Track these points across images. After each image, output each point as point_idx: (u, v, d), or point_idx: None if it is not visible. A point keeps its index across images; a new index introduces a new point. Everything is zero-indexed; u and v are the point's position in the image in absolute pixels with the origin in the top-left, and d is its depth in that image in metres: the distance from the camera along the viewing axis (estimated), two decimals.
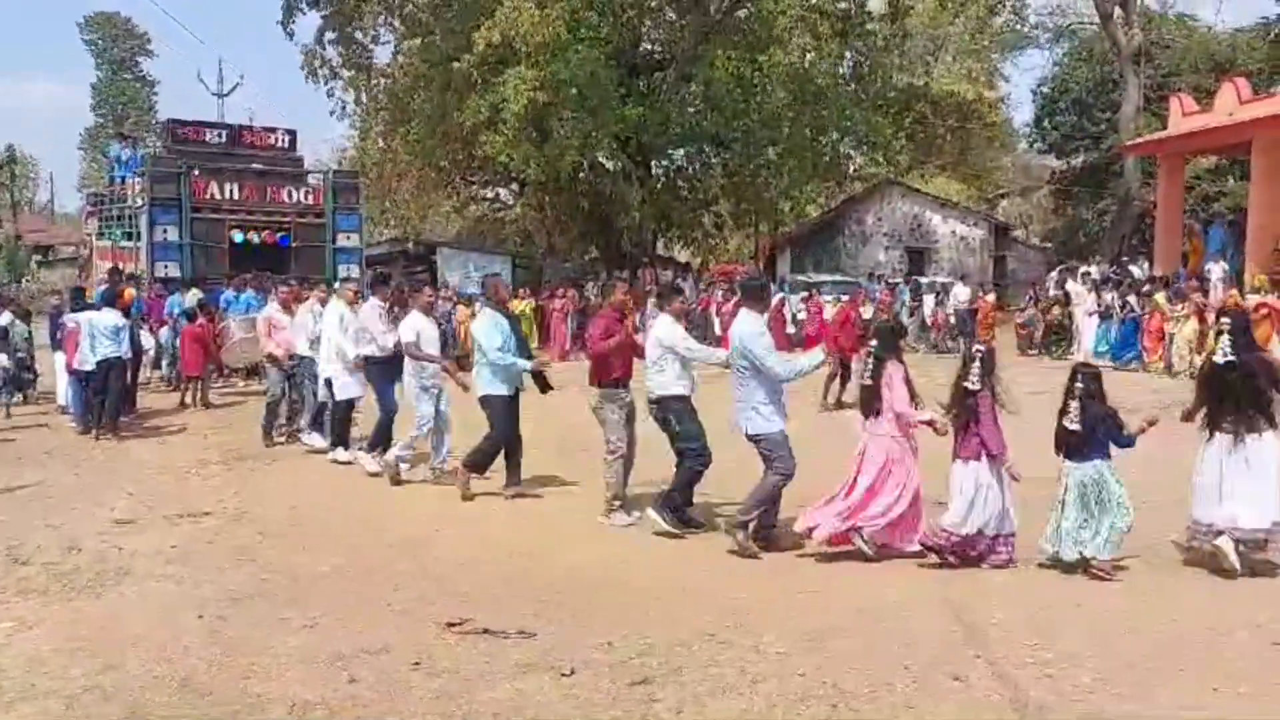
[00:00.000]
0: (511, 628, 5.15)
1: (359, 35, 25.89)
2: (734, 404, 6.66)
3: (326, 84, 26.51)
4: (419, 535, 7.09)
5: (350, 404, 9.66)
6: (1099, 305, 17.50)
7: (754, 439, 6.61)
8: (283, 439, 10.61)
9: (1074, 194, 34.10)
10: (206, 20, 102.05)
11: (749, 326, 6.71)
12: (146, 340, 14.42)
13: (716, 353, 7.39)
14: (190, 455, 10.20)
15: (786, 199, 27.62)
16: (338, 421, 9.69)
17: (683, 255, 35.37)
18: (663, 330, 7.13)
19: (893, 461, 6.32)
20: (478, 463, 8.06)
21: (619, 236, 26.02)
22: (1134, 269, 20.26)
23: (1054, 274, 22.72)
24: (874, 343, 6.64)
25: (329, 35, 25.65)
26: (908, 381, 6.45)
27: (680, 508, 7.03)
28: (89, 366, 11.41)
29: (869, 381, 6.51)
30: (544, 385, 8.25)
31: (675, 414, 6.96)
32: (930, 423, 6.36)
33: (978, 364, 6.20)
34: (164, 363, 15.48)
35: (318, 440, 10.10)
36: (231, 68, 44.52)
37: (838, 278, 26.28)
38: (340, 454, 9.55)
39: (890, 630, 5.15)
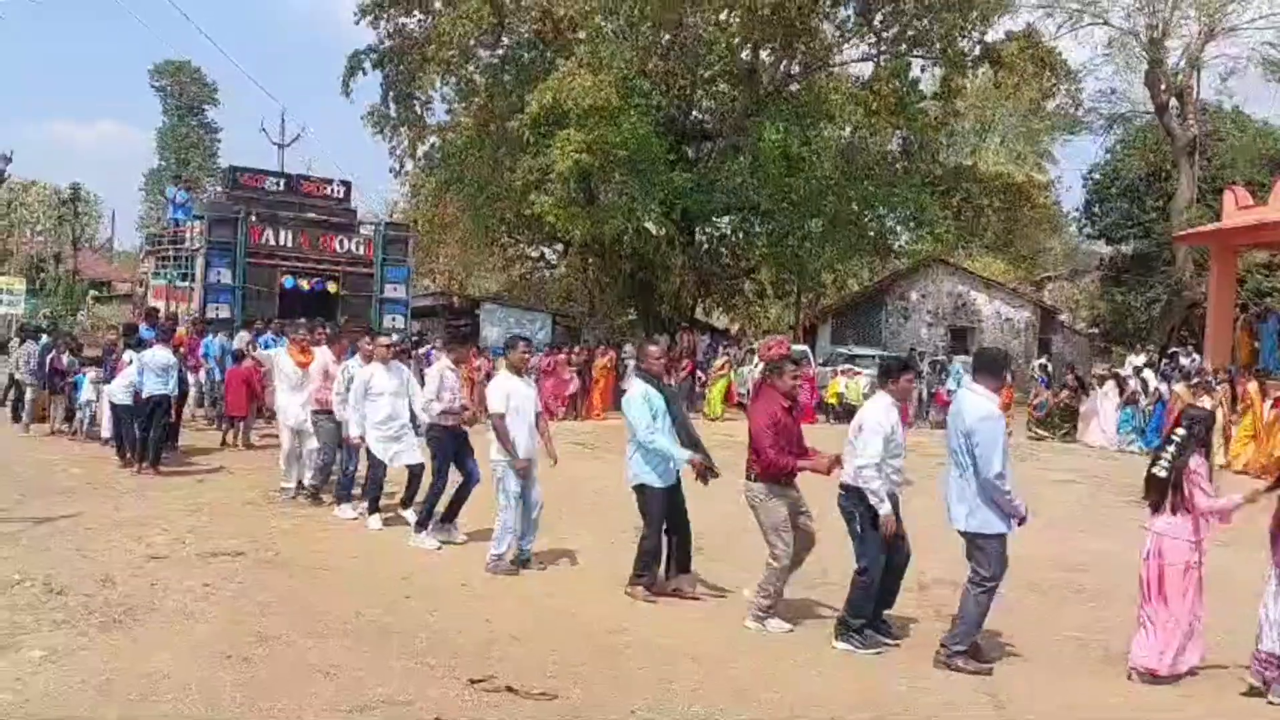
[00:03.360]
0: (535, 687, 5.10)
1: (417, 95, 26.57)
2: (950, 487, 5.78)
3: (389, 141, 27.21)
4: (445, 588, 7.07)
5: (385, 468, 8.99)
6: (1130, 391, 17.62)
7: (969, 537, 5.69)
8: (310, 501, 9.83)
9: (1123, 281, 33.83)
10: (272, 72, 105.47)
11: (985, 407, 5.68)
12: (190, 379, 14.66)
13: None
14: (227, 494, 10.28)
15: (829, 271, 27.70)
16: (376, 486, 8.98)
17: (721, 321, 35.48)
18: (879, 412, 6.06)
19: (1191, 567, 5.70)
20: (641, 570, 6.93)
21: (659, 300, 26.17)
22: (1183, 359, 20.01)
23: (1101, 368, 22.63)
24: (1181, 430, 5.88)
25: (391, 95, 26.36)
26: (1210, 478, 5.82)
27: (870, 621, 6.08)
28: (121, 400, 11.62)
29: (1164, 473, 5.75)
30: (704, 475, 6.79)
31: (863, 514, 5.94)
32: (1235, 508, 5.75)
33: None
34: (204, 401, 15.72)
35: (348, 511, 9.30)
36: (293, 119, 45.85)
37: (879, 352, 26.18)
38: (375, 522, 8.89)
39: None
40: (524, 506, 7.47)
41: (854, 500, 5.92)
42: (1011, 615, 6.47)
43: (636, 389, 6.91)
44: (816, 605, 6.82)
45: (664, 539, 6.94)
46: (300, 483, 10.10)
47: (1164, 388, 17.27)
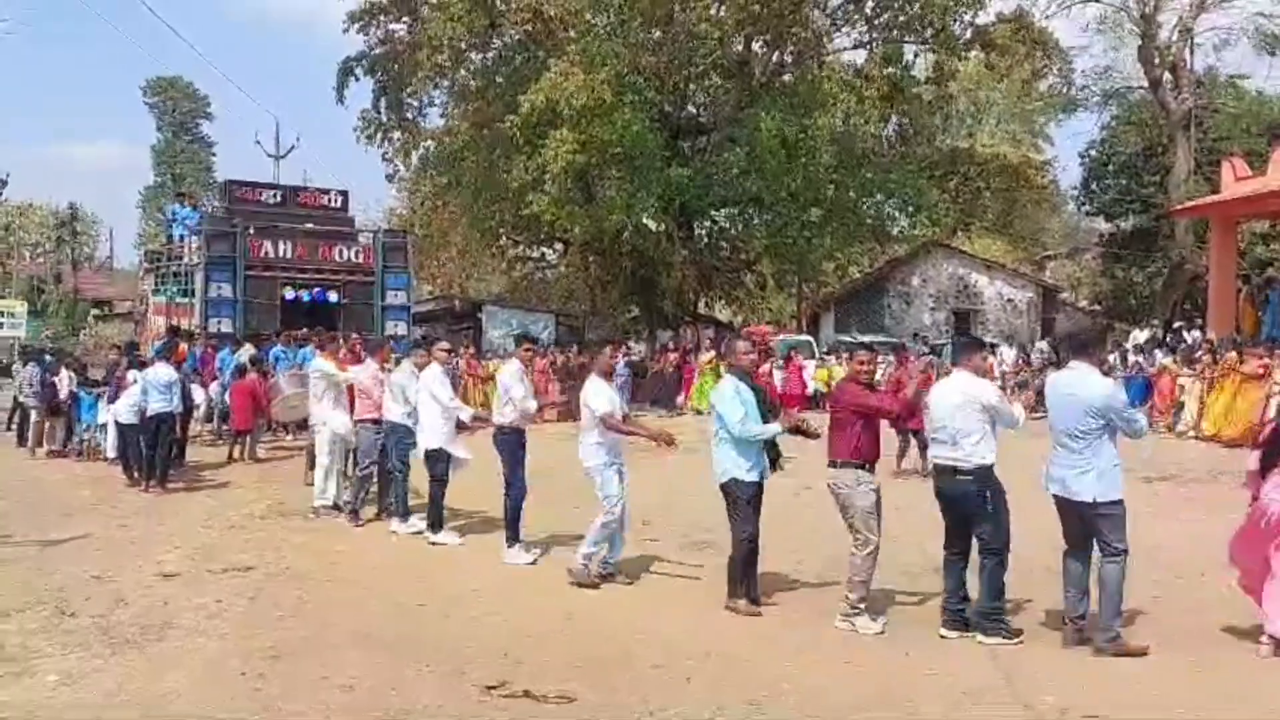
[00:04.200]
0: (552, 691, 5.08)
1: (411, 100, 26.56)
2: (1060, 464, 5.86)
3: (380, 147, 27.21)
4: (458, 596, 7.04)
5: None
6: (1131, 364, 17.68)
7: (1096, 508, 5.74)
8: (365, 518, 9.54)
9: (1123, 257, 33.76)
10: (265, 83, 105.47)
11: (1107, 384, 6.13)
12: (198, 394, 14.67)
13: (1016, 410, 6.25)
14: (235, 509, 10.27)
15: (829, 260, 27.68)
16: (440, 498, 8.73)
17: (724, 314, 35.45)
18: (980, 387, 6.12)
19: None
20: (741, 577, 6.64)
21: (661, 296, 26.15)
22: (1186, 334, 19.96)
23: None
24: None
25: (383, 101, 26.36)
26: None
27: (999, 615, 6.01)
28: (127, 419, 11.62)
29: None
30: (806, 433, 6.94)
31: (994, 491, 5.98)
32: None
33: None
34: (215, 416, 15.72)
35: (403, 526, 9.04)
36: (288, 130, 45.83)
37: (881, 338, 26.15)
38: (444, 537, 8.63)
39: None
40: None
41: (980, 480, 5.93)
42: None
43: (727, 384, 6.82)
44: (819, 598, 6.80)
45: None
46: (336, 503, 9.81)
47: (1142, 360, 17.42)
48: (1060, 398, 5.96)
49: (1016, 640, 5.90)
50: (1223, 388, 14.79)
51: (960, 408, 5.99)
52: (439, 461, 8.65)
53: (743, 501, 6.60)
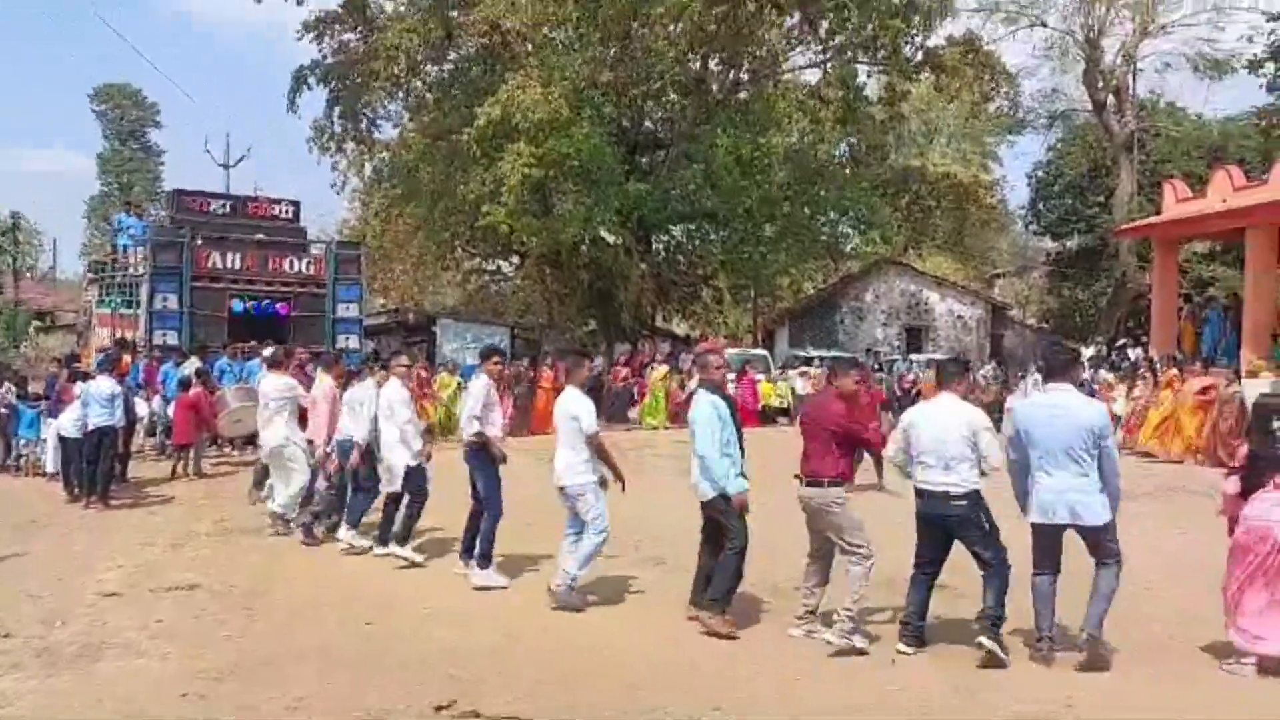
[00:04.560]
0: (502, 711, 5.02)
1: (364, 111, 26.36)
2: (1060, 489, 5.77)
3: (331, 156, 26.94)
4: (408, 614, 6.93)
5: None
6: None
7: (1094, 531, 5.78)
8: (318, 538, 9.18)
9: (1069, 275, 34.48)
10: (215, 92, 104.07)
11: (1103, 406, 6.31)
12: (141, 408, 14.34)
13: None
14: (179, 526, 10.05)
15: (784, 275, 27.91)
16: (403, 514, 8.42)
17: (681, 328, 35.56)
18: (974, 413, 6.12)
19: None
20: (724, 593, 6.48)
21: (619, 309, 26.16)
22: (1129, 351, 20.41)
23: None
24: None
25: (336, 111, 26.12)
26: None
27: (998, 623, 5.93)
28: (72, 434, 11.35)
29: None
30: (743, 512, 6.55)
31: (985, 512, 6.02)
32: None
33: None
34: (158, 431, 15.38)
35: (350, 534, 8.75)
36: (239, 139, 45.13)
37: (835, 353, 26.41)
38: (405, 551, 8.29)
39: None
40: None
41: (973, 503, 5.92)
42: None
43: (705, 402, 6.62)
44: (767, 609, 6.80)
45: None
46: (286, 516, 9.49)
47: (1090, 375, 17.82)
48: (1047, 419, 5.88)
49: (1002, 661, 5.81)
50: (1161, 404, 15.05)
51: (953, 431, 5.94)
52: (420, 477, 8.35)
53: (733, 513, 6.48)
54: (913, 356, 26.48)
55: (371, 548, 8.53)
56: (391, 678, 5.57)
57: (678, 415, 21.02)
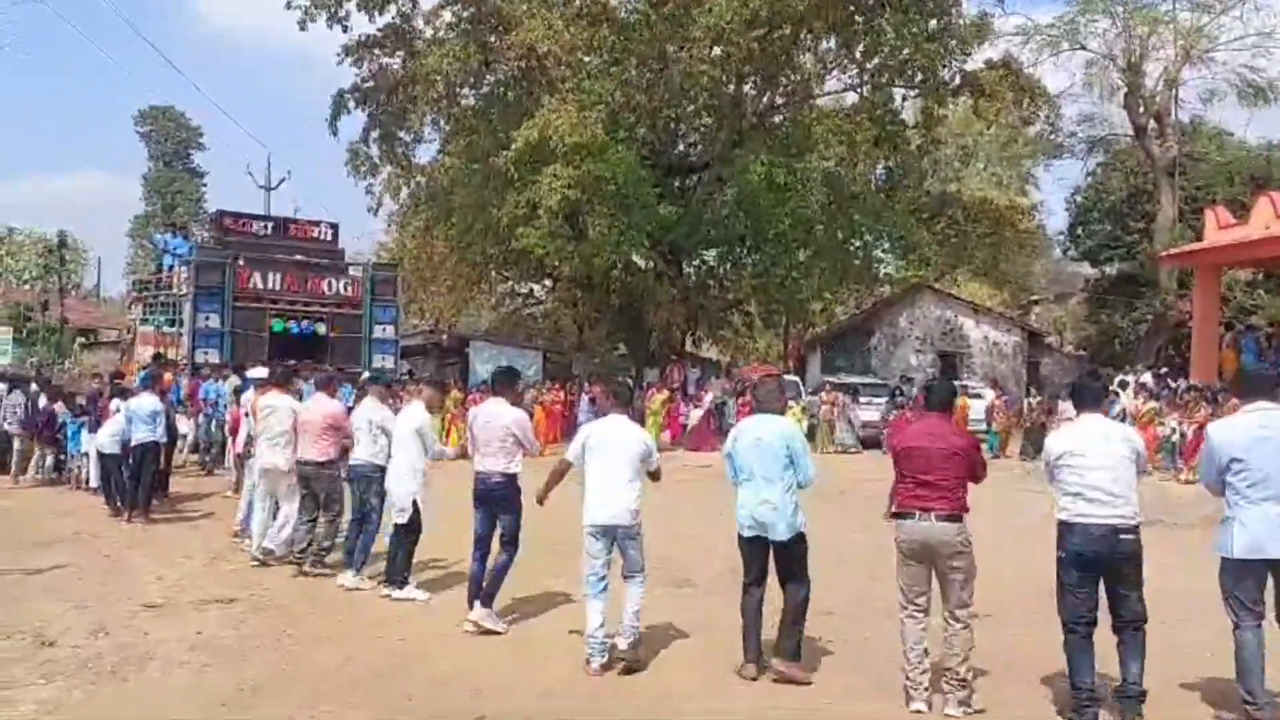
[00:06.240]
0: None
1: (402, 135, 26.70)
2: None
3: (366, 180, 27.28)
4: (434, 633, 6.89)
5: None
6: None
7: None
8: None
9: (1108, 302, 34.09)
10: (257, 115, 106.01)
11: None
12: (183, 425, 14.56)
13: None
14: (218, 541, 10.16)
15: (817, 300, 27.83)
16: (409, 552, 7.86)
17: (711, 352, 35.54)
18: (1134, 434, 5.59)
19: None
20: (799, 642, 5.90)
21: (648, 333, 26.21)
22: (1171, 381, 20.15)
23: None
24: None
25: (374, 134, 26.49)
26: None
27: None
28: (110, 449, 11.52)
29: None
30: None
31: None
32: None
33: None
34: (200, 447, 15.59)
35: (354, 579, 8.11)
36: (279, 161, 46.06)
37: (869, 379, 26.27)
38: (417, 594, 7.78)
39: None
40: None
41: (1139, 539, 5.23)
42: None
43: (794, 427, 6.16)
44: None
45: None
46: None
47: (1128, 402, 17.69)
48: (1103, 442, 5.31)
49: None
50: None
51: (1125, 459, 5.26)
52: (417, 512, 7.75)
53: (806, 552, 5.97)
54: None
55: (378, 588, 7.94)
56: (423, 693, 5.60)
57: (676, 436, 21.50)
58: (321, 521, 8.71)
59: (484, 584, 6.91)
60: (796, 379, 25.62)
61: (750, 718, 5.35)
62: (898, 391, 22.63)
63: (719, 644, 6.35)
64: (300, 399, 9.65)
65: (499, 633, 6.77)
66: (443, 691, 5.67)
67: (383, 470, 8.08)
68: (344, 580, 8.09)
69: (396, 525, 7.77)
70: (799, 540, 5.87)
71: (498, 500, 6.95)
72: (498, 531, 6.99)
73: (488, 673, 6.01)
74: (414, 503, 7.68)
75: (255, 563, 8.85)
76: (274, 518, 9.04)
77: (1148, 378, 19.93)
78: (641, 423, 20.30)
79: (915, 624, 5.42)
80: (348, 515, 8.64)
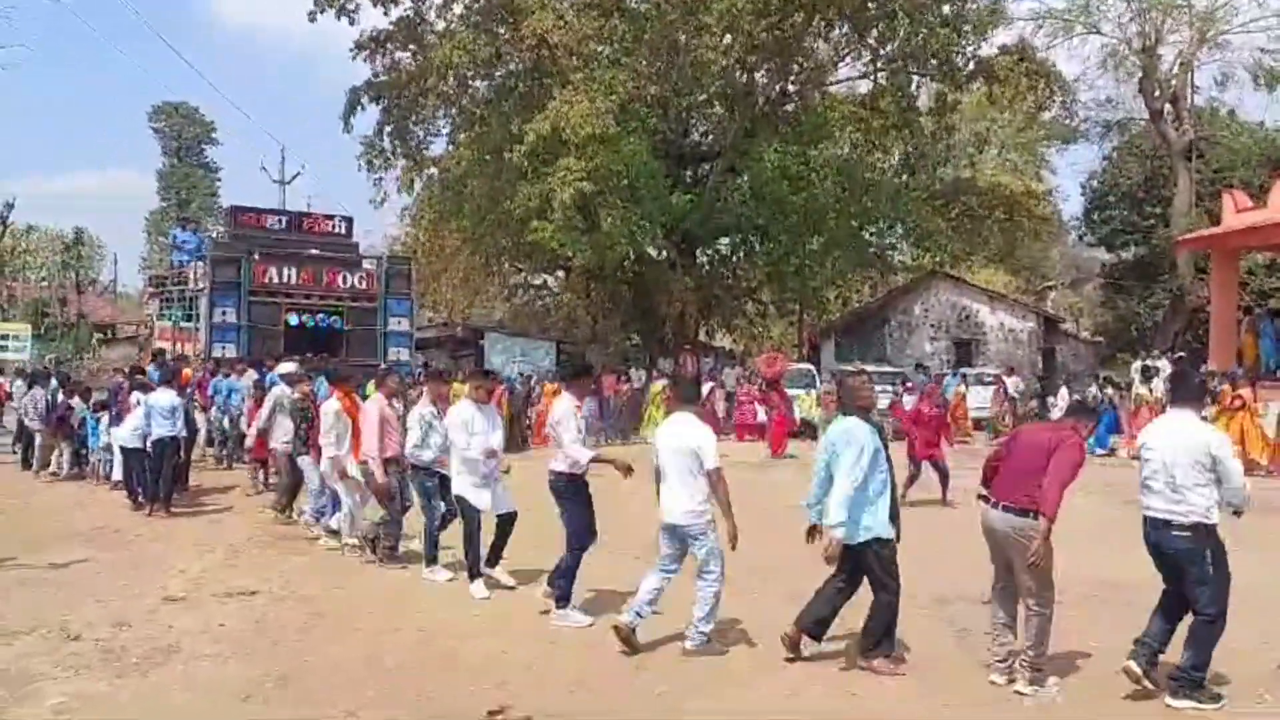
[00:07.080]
0: (553, 715, 5.08)
1: (416, 128, 26.72)
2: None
3: (378, 174, 27.31)
4: (459, 622, 6.99)
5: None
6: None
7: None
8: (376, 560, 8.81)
9: (1124, 288, 33.87)
10: (270, 109, 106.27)
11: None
12: (199, 419, 14.66)
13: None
14: (239, 534, 10.25)
15: (831, 288, 27.74)
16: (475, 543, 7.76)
17: (724, 342, 35.51)
18: (1214, 437, 5.45)
19: None
20: (882, 636, 5.87)
21: (662, 323, 26.22)
22: (1156, 363, 20.09)
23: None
24: None
25: (387, 128, 26.52)
26: None
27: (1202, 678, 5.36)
28: (131, 444, 11.63)
29: None
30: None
31: (1214, 550, 5.32)
32: None
33: None
34: (215, 442, 15.70)
35: (441, 575, 8.22)
36: (293, 157, 46.28)
37: (884, 368, 26.19)
38: (480, 589, 7.66)
39: None
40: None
41: (1203, 537, 5.26)
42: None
43: (863, 430, 5.86)
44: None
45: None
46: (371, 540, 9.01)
47: (1109, 391, 17.67)
48: (1169, 438, 5.44)
49: (1218, 705, 5.25)
50: (1232, 419, 14.91)
51: (1185, 454, 5.30)
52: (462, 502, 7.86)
53: (888, 561, 5.85)
54: (963, 370, 26.14)
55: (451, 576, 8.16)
56: (444, 685, 5.64)
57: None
58: (390, 515, 8.85)
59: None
60: (811, 367, 25.58)
61: (762, 718, 5.38)
62: (903, 378, 22.59)
63: (739, 639, 6.42)
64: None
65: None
66: (466, 681, 5.71)
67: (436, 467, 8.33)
68: (425, 574, 8.24)
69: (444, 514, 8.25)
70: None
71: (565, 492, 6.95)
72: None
73: (513, 663, 6.05)
74: (458, 496, 7.77)
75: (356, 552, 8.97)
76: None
77: (1164, 363, 19.77)
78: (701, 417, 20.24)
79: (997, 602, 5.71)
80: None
